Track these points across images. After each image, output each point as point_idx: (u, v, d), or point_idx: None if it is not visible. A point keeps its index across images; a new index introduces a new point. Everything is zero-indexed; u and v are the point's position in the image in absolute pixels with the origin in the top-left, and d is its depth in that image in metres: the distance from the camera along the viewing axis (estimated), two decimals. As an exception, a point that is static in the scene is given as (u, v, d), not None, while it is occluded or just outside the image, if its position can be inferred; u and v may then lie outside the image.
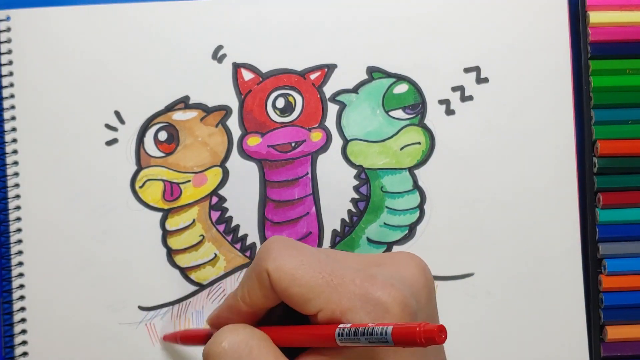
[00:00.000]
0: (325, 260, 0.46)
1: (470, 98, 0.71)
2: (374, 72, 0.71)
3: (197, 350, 0.62)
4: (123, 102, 0.70)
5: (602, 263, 0.71)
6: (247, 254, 0.70)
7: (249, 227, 0.70)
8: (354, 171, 0.70)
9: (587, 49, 0.72)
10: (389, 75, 0.71)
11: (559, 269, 0.71)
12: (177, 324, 0.69)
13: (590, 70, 0.72)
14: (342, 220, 0.70)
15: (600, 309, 0.71)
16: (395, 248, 0.70)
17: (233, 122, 0.70)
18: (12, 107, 0.69)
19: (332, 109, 0.71)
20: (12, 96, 0.69)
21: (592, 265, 0.71)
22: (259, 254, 0.47)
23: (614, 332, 0.70)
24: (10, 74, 0.69)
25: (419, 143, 0.71)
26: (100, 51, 0.70)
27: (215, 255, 0.70)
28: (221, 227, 0.70)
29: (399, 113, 0.71)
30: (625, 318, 0.71)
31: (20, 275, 0.68)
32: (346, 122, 0.71)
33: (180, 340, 0.65)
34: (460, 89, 0.71)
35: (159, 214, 0.69)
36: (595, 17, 0.71)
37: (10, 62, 0.69)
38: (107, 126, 0.69)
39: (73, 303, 0.68)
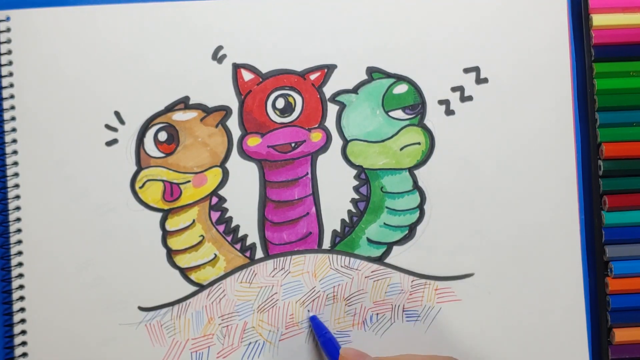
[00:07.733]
0: None
1: (470, 98, 0.71)
2: (373, 73, 0.71)
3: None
4: (123, 102, 0.70)
5: (609, 266, 0.71)
6: (247, 254, 0.70)
7: (249, 227, 0.70)
8: (354, 171, 0.70)
9: (590, 51, 0.72)
10: (388, 75, 0.71)
11: (559, 269, 0.70)
12: None
13: (594, 72, 0.72)
14: (342, 220, 0.70)
15: (607, 312, 0.70)
16: (396, 248, 0.70)
17: (233, 123, 0.71)
18: (12, 107, 0.70)
19: (332, 109, 0.71)
20: (12, 96, 0.70)
21: (598, 268, 0.71)
22: None
23: (621, 335, 0.70)
24: (10, 74, 0.70)
25: (419, 143, 0.71)
26: (100, 51, 0.71)
27: (215, 255, 0.70)
28: (221, 228, 0.70)
29: (398, 113, 0.71)
30: (633, 320, 0.71)
31: (20, 275, 0.68)
32: (346, 123, 0.71)
33: None
34: (460, 89, 0.71)
35: (159, 215, 0.69)
36: (599, 19, 0.71)
37: (10, 62, 0.70)
38: (107, 126, 0.70)
39: (73, 303, 0.68)
